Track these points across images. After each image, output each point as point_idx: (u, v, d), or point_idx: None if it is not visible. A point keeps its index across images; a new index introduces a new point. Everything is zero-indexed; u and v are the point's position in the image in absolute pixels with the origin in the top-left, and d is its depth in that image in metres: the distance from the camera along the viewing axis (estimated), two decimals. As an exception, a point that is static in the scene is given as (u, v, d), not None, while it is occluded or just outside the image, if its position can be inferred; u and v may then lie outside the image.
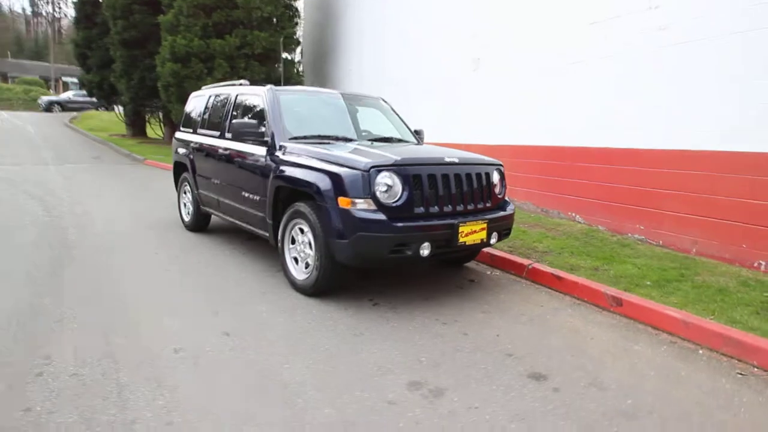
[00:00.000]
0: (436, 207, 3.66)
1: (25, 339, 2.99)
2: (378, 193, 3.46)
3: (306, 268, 3.88)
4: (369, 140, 4.58)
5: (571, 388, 2.66)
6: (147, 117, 18.61)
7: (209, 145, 5.28)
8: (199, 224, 5.89)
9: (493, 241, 3.96)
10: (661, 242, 5.29)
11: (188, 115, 6.17)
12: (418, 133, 5.26)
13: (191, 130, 5.86)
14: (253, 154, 4.45)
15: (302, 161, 3.86)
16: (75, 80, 32.13)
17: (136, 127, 19.17)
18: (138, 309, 3.51)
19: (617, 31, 5.72)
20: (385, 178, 3.48)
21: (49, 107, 31.67)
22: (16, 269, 4.25)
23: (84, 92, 23.92)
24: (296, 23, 14.58)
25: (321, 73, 15.57)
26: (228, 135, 4.98)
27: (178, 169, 6.21)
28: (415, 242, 3.51)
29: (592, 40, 6.02)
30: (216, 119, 5.37)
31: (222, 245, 5.35)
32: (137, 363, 2.75)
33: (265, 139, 4.31)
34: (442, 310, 3.70)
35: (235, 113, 5.03)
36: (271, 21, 14.00)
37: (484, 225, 3.81)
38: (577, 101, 6.25)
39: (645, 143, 5.44)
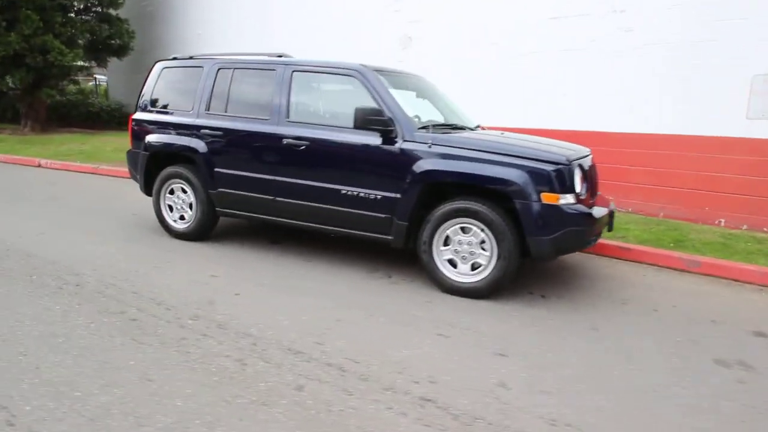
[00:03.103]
0: (593, 198, 3.84)
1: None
2: (576, 187, 3.47)
3: (474, 270, 3.62)
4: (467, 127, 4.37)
5: (795, 338, 3.28)
6: None
7: (252, 132, 4.22)
8: (205, 231, 4.70)
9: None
10: (630, 209, 6.46)
11: (168, 93, 4.76)
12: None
13: (188, 111, 4.55)
14: (366, 146, 3.81)
15: (472, 155, 3.52)
16: None
17: None
18: (370, 349, 2.81)
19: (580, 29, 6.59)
20: (577, 171, 3.50)
21: None
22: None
23: None
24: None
25: (153, 36, 13.23)
26: (292, 119, 4.09)
27: (156, 162, 4.77)
28: (599, 232, 3.65)
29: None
30: (253, 100, 4.32)
31: (264, 251, 4.44)
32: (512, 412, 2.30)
33: (390, 128, 3.74)
34: (597, 293, 3.91)
35: (297, 94, 4.15)
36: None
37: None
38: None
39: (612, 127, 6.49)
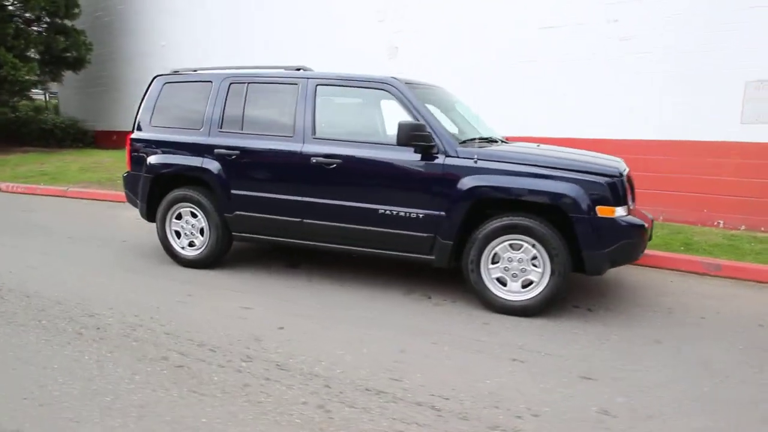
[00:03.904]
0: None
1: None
2: (628, 199, 3.42)
3: (525, 287, 3.49)
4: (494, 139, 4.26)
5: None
6: None
7: (275, 150, 3.95)
8: (218, 257, 4.36)
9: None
10: (630, 214, 6.56)
11: (171, 110, 4.40)
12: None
13: (198, 130, 4.21)
14: (406, 163, 3.62)
15: (522, 169, 3.40)
16: None
17: None
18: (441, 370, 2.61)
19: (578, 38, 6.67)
20: (625, 183, 3.45)
21: None
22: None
23: None
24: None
25: (111, 47, 12.56)
26: (318, 136, 3.86)
27: (160, 185, 4.39)
28: (646, 244, 3.62)
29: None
30: (272, 117, 4.05)
31: (288, 277, 4.16)
32: None
33: (431, 144, 3.57)
34: (639, 302, 3.87)
35: (323, 109, 3.92)
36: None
37: (647, 218, 4.15)
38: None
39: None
